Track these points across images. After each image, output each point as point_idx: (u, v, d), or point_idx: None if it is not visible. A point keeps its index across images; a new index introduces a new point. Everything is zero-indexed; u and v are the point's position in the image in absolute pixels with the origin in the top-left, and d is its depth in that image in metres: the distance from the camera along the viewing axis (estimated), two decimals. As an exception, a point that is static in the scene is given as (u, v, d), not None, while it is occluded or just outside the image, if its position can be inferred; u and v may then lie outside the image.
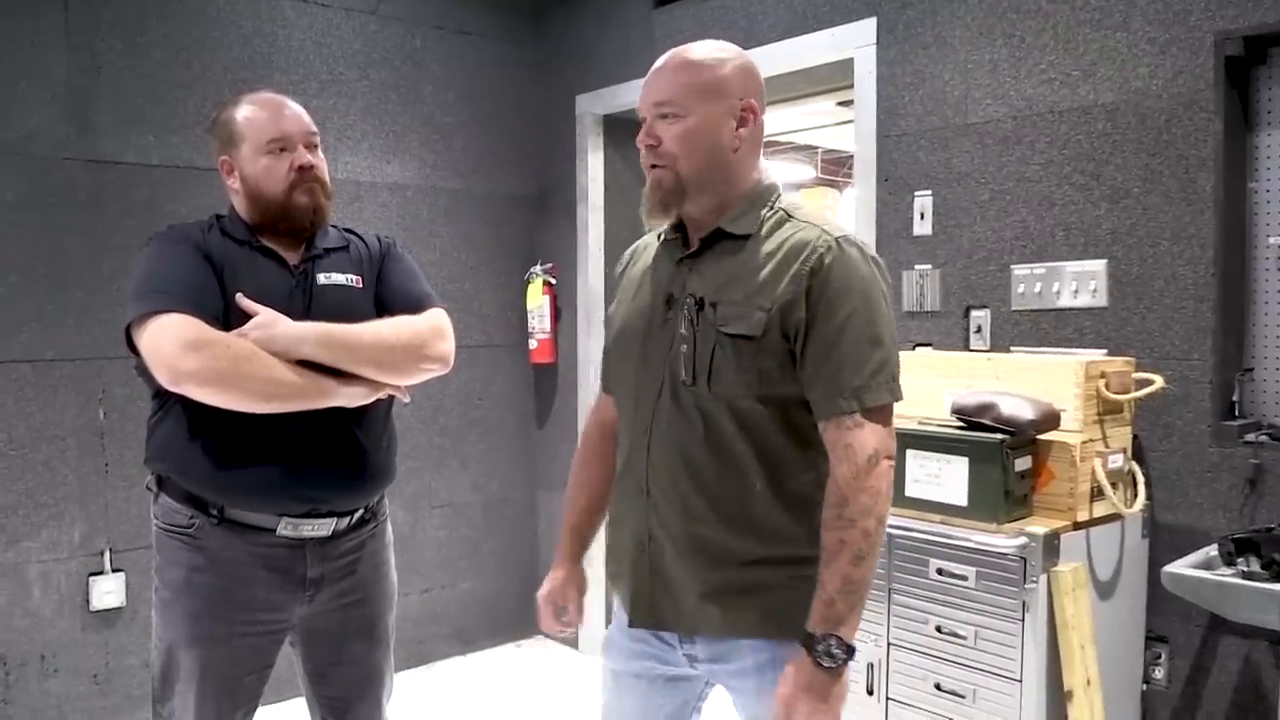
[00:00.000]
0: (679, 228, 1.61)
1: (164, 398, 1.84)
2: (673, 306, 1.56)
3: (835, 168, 8.36)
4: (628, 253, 1.78)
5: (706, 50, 1.56)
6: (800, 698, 1.42)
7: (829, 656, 1.41)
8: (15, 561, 3.05)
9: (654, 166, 1.54)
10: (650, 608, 1.60)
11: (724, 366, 1.48)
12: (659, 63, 1.57)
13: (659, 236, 1.67)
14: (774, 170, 1.62)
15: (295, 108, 1.94)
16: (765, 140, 1.61)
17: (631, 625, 1.64)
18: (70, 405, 3.13)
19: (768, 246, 1.51)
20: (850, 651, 1.42)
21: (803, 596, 1.46)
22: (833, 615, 1.41)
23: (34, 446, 3.08)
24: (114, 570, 3.20)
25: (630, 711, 1.74)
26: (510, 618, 4.25)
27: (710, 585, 1.53)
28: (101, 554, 3.18)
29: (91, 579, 3.16)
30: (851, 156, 7.76)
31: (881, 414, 1.45)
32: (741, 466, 1.50)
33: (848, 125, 5.68)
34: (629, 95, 3.80)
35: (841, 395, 1.43)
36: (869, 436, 1.43)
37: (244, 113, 1.91)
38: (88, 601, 3.16)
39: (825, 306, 1.44)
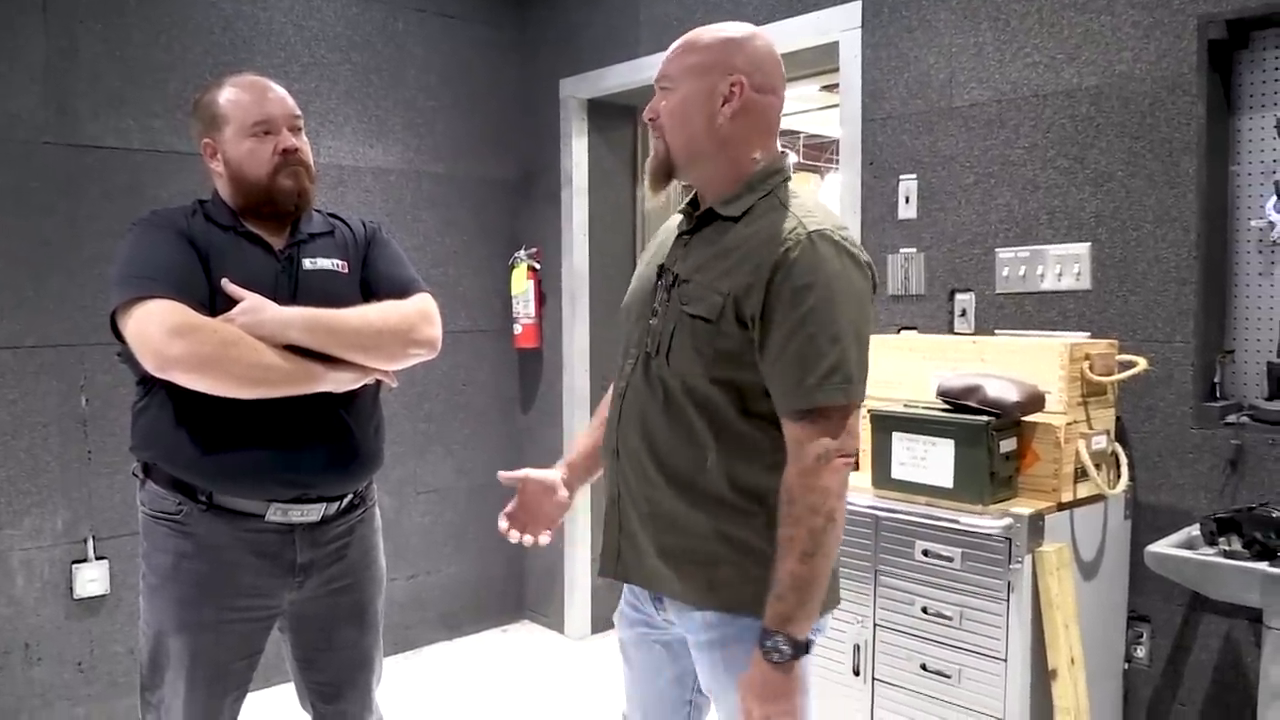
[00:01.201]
0: (693, 204, 1.64)
1: (149, 384, 1.83)
2: (662, 280, 1.61)
3: (817, 153, 8.36)
4: (666, 222, 1.77)
5: (715, 28, 1.60)
6: (752, 693, 1.45)
7: (777, 652, 1.42)
8: (-3, 549, 3.03)
9: (654, 138, 1.61)
10: (617, 561, 1.66)
11: (681, 344, 1.51)
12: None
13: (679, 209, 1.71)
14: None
15: (279, 90, 1.92)
16: None
17: (600, 574, 1.71)
18: (52, 392, 3.11)
19: (747, 231, 1.51)
20: (801, 647, 1.42)
21: (754, 580, 1.48)
22: (781, 611, 1.42)
23: (15, 434, 3.05)
24: (97, 558, 3.18)
25: (636, 677, 1.77)
26: (496, 603, 4.26)
27: (663, 548, 1.57)
28: (85, 541, 3.16)
29: (75, 566, 3.14)
30: (834, 142, 7.77)
31: (838, 413, 1.43)
32: (696, 441, 1.52)
33: (830, 110, 5.69)
34: (613, 79, 3.79)
35: (795, 393, 1.43)
36: (820, 435, 1.42)
37: (227, 95, 1.89)
38: (71, 589, 3.14)
39: (785, 300, 1.43)
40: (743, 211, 1.54)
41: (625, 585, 1.73)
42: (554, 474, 1.82)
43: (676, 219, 1.70)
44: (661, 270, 1.61)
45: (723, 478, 1.51)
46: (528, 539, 1.78)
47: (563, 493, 1.80)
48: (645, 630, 1.70)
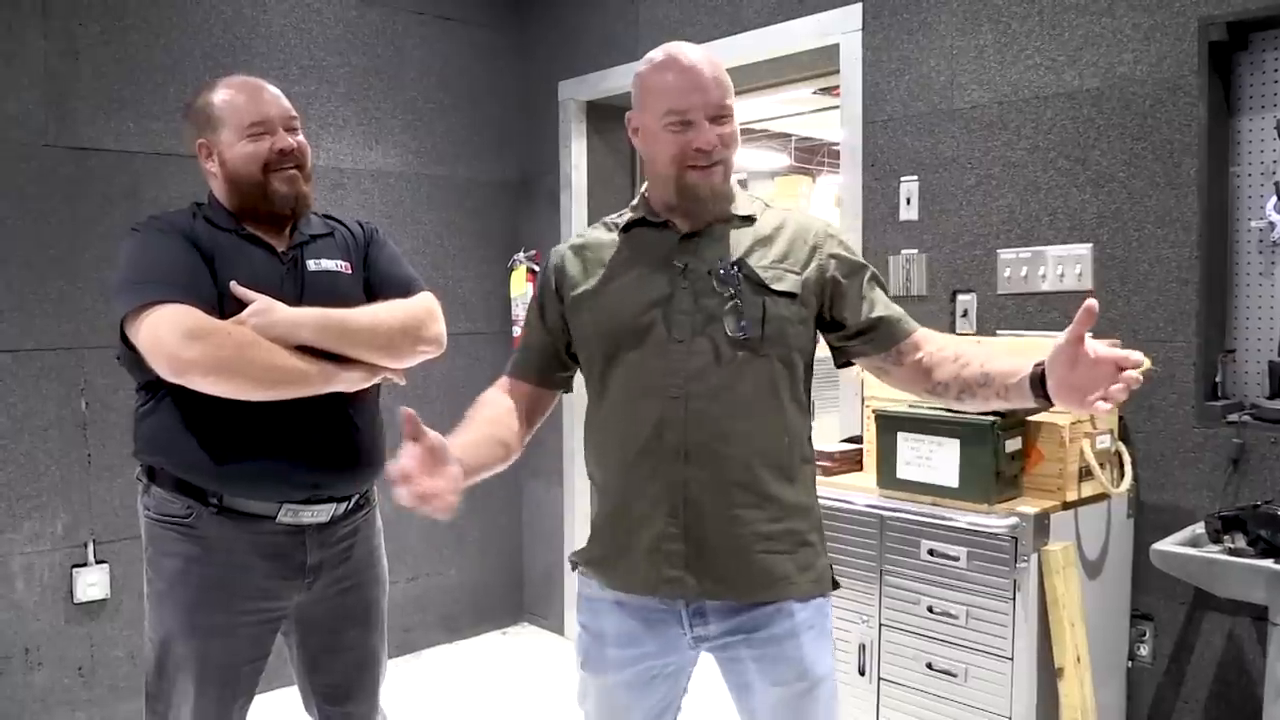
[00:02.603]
0: (655, 215, 1.67)
1: (153, 389, 1.82)
2: (689, 274, 1.60)
3: (809, 155, 8.39)
4: (565, 254, 1.74)
5: (707, 51, 1.63)
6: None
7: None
8: (-3, 554, 3.02)
9: (716, 164, 1.60)
10: (685, 575, 1.57)
11: (775, 320, 1.59)
12: (698, 61, 1.57)
13: (613, 226, 1.73)
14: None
15: (274, 90, 1.92)
16: (740, 128, 1.67)
17: (657, 594, 1.60)
18: (52, 396, 3.09)
19: (769, 224, 1.67)
20: None
21: (811, 558, 1.64)
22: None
23: (15, 438, 3.04)
24: (98, 562, 3.16)
25: (616, 710, 1.71)
26: (496, 605, 4.25)
27: (755, 543, 1.58)
28: (85, 545, 3.15)
29: (75, 571, 3.13)
30: (825, 144, 7.78)
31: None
32: (779, 417, 1.62)
33: (823, 113, 5.70)
34: (612, 81, 3.80)
35: (904, 321, 1.67)
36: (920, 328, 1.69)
37: (222, 96, 1.88)
38: (71, 593, 3.13)
39: (852, 273, 1.66)
40: (750, 210, 1.68)
41: (589, 628, 1.69)
42: (452, 448, 1.52)
43: (599, 243, 1.71)
44: (686, 268, 1.59)
45: (791, 455, 1.64)
46: (428, 486, 1.46)
47: (457, 469, 1.51)
48: (649, 665, 1.65)
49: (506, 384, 1.80)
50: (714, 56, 1.61)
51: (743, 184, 1.75)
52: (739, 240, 1.64)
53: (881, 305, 1.67)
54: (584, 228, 1.90)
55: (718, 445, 1.56)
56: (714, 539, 1.57)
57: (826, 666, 1.65)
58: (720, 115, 1.57)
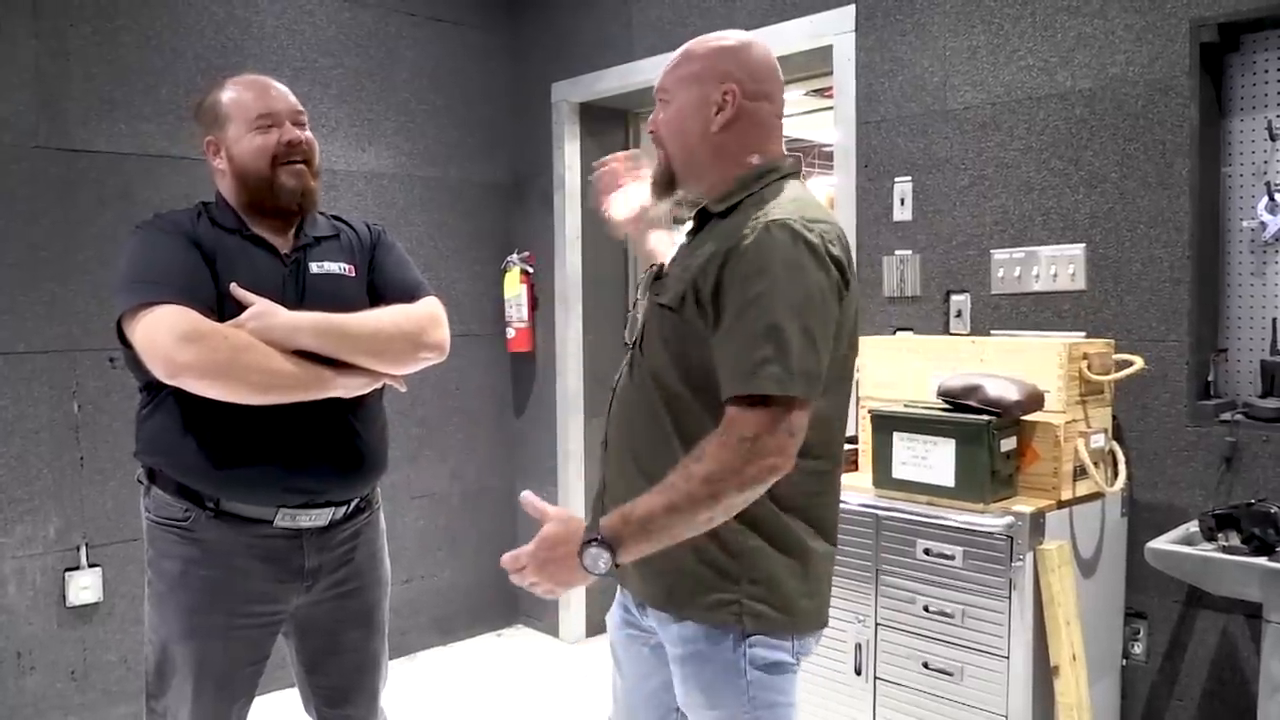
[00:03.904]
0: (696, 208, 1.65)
1: (154, 390, 1.82)
2: (659, 278, 1.64)
3: (800, 157, 8.41)
4: None
5: (708, 38, 1.61)
6: (539, 559, 1.42)
7: (593, 559, 1.37)
8: (-11, 558, 3.00)
9: (658, 151, 1.63)
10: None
11: (651, 334, 1.55)
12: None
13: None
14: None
15: (281, 87, 1.92)
16: None
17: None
18: (44, 398, 3.08)
19: (723, 224, 1.51)
20: (608, 570, 1.38)
21: (727, 596, 1.48)
22: (618, 530, 1.37)
23: (6, 440, 3.02)
24: (90, 565, 3.15)
25: (627, 684, 1.76)
26: (491, 607, 4.25)
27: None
28: (77, 549, 3.13)
29: (68, 574, 3.11)
30: (817, 146, 7.80)
31: (777, 406, 1.34)
32: (664, 436, 1.50)
33: (814, 115, 5.71)
34: (606, 83, 3.80)
35: (732, 378, 1.37)
36: (752, 421, 1.34)
37: (230, 94, 1.88)
38: (64, 597, 3.11)
39: (734, 285, 1.40)
40: (729, 208, 1.53)
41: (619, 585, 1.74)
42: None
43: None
44: (659, 271, 1.66)
45: None
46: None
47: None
48: (633, 633, 1.70)
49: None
50: None
51: (757, 178, 1.57)
52: (701, 243, 1.54)
53: (728, 348, 1.39)
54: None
55: (620, 449, 1.60)
56: None
57: (731, 709, 1.51)
58: None
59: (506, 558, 1.45)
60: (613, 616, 1.76)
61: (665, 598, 1.55)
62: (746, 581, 1.48)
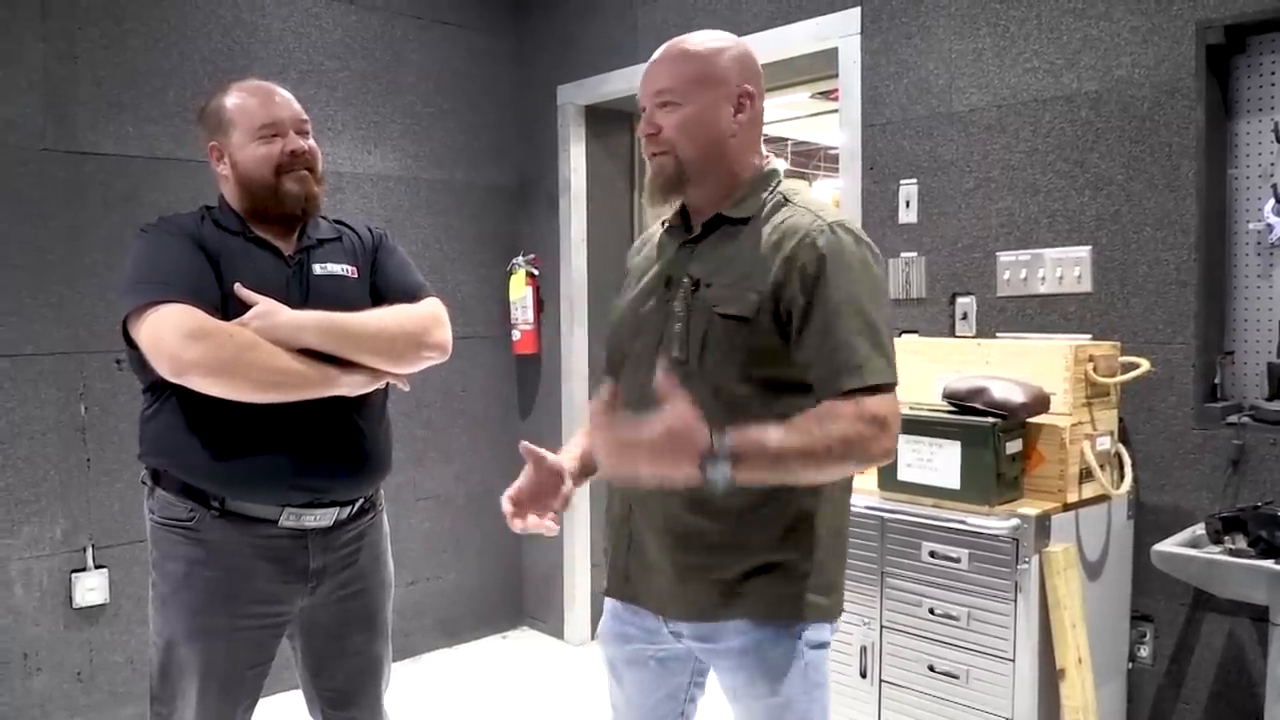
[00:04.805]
0: (683, 214, 1.64)
1: (158, 391, 1.83)
2: (671, 288, 1.58)
3: (805, 160, 8.41)
4: (637, 242, 1.80)
5: (704, 39, 1.61)
6: (657, 452, 1.32)
7: (714, 476, 1.33)
8: (-4, 559, 3.01)
9: (655, 154, 1.58)
10: (626, 582, 1.65)
11: (715, 346, 1.50)
12: (657, 53, 1.62)
13: (663, 224, 1.69)
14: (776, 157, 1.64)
15: (285, 94, 1.93)
16: None
17: (606, 594, 1.70)
18: (51, 400, 3.09)
19: (765, 230, 1.53)
20: (721, 483, 1.34)
21: (773, 583, 1.53)
22: (746, 451, 1.34)
23: (14, 442, 3.03)
24: (97, 567, 3.16)
25: (630, 697, 1.75)
26: (496, 609, 4.25)
27: (680, 566, 1.56)
28: (84, 550, 3.14)
29: (74, 575, 3.12)
30: (822, 149, 7.80)
31: (885, 391, 1.43)
32: None
33: (820, 117, 5.72)
34: (611, 85, 3.80)
35: (843, 372, 1.42)
36: (879, 405, 1.41)
37: (234, 100, 1.89)
38: (70, 598, 3.12)
39: (818, 288, 1.45)
40: (752, 213, 1.55)
41: (607, 603, 1.73)
42: (565, 462, 1.63)
43: (654, 237, 1.71)
44: (669, 280, 1.59)
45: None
46: (533, 521, 1.54)
47: (569, 484, 1.60)
48: (640, 647, 1.68)
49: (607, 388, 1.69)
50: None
51: (765, 179, 1.61)
52: (727, 248, 1.55)
53: (829, 345, 1.44)
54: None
55: None
56: (652, 557, 1.59)
57: (792, 690, 1.55)
58: None
59: (618, 434, 1.33)
60: (607, 634, 1.74)
61: (718, 605, 1.54)
62: (811, 575, 1.55)
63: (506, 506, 1.56)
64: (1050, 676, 2.23)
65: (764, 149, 1.63)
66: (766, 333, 1.47)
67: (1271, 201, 2.35)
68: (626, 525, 1.63)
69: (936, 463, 2.33)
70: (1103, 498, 2.39)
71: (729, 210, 1.57)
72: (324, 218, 2.01)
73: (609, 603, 1.73)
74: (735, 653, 1.57)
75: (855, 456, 1.41)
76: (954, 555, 2.30)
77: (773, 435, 1.36)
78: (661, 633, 1.64)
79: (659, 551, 1.58)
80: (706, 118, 1.54)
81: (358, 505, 1.95)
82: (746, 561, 1.53)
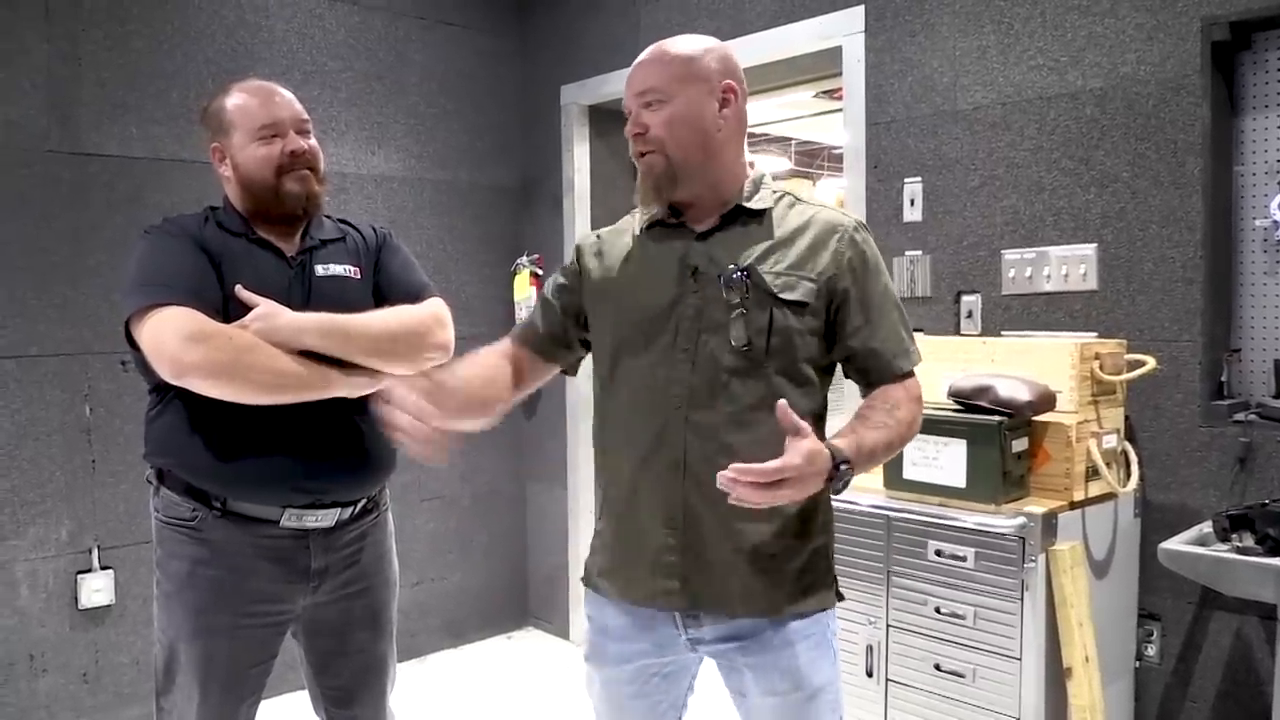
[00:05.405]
0: (674, 212, 1.62)
1: (163, 391, 1.83)
2: (699, 278, 1.56)
3: (809, 159, 8.41)
4: (587, 244, 1.75)
5: (685, 41, 1.63)
6: (797, 480, 1.36)
7: (841, 481, 1.44)
8: (2, 560, 3.00)
9: (644, 154, 1.58)
10: (682, 588, 1.57)
11: (778, 332, 1.54)
12: (640, 57, 1.63)
13: (646, 224, 1.65)
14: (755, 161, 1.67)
15: (286, 94, 1.93)
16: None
17: (653, 604, 1.60)
18: (56, 401, 3.09)
19: (792, 223, 1.59)
20: (844, 488, 1.48)
21: (819, 570, 1.61)
22: (858, 454, 1.46)
23: (19, 443, 3.03)
24: (102, 568, 3.16)
25: (626, 703, 1.71)
26: (501, 610, 4.25)
27: (755, 559, 1.55)
28: (89, 551, 3.14)
29: (80, 577, 3.12)
30: (826, 148, 7.79)
31: (914, 375, 1.63)
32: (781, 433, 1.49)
33: (823, 117, 5.71)
34: (615, 85, 3.80)
35: (900, 357, 1.58)
36: (918, 386, 1.62)
37: (235, 100, 1.89)
38: (76, 599, 3.12)
39: (865, 282, 1.57)
40: (766, 206, 1.60)
41: (594, 622, 1.70)
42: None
43: (619, 238, 1.69)
44: (696, 271, 1.56)
45: None
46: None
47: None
48: (646, 664, 1.66)
49: (506, 345, 1.81)
50: None
51: (761, 178, 1.65)
52: (755, 240, 1.57)
53: (881, 335, 1.58)
54: (601, 228, 1.80)
55: (717, 458, 1.45)
56: (712, 554, 1.56)
57: (825, 676, 1.60)
58: None
59: (764, 469, 1.33)
60: (600, 654, 1.69)
61: (765, 604, 1.57)
62: (833, 566, 1.67)
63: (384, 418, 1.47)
64: (1057, 675, 2.22)
65: (747, 154, 1.66)
66: (818, 317, 1.56)
67: (1278, 198, 2.35)
68: (679, 529, 1.56)
69: (942, 461, 2.32)
70: (1109, 496, 2.38)
71: (749, 203, 1.60)
72: (328, 217, 2.01)
73: (605, 621, 1.67)
74: (773, 650, 1.57)
75: (913, 433, 1.60)
76: (960, 554, 2.30)
77: (868, 436, 1.49)
78: (676, 643, 1.62)
79: (727, 547, 1.55)
80: (692, 114, 1.56)
81: (360, 505, 1.95)
82: (807, 548, 1.60)
